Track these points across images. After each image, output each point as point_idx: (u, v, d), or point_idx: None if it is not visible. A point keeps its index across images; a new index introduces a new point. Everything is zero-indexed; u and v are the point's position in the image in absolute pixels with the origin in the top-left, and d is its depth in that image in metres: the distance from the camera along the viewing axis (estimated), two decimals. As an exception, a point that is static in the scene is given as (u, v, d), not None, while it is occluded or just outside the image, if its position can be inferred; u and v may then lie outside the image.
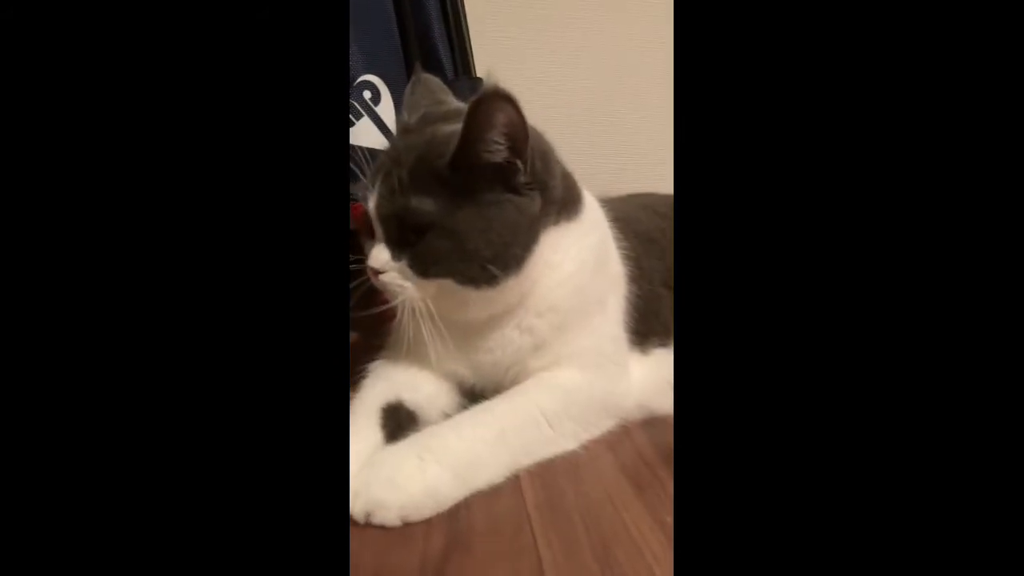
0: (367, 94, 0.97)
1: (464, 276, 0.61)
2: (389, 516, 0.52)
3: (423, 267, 0.61)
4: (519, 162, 0.61)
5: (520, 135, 0.59)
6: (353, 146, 0.86)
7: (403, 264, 0.61)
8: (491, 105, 0.56)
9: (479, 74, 1.10)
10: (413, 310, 0.63)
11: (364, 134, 0.96)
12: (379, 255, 0.62)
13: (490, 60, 1.20)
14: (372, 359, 0.73)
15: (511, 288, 0.63)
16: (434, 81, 0.77)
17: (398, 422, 0.64)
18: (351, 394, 0.67)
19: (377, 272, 0.62)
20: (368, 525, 0.52)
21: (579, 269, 0.68)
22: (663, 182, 1.01)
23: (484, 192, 0.60)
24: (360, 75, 0.97)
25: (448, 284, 0.61)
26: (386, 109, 0.96)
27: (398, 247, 0.62)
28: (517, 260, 0.62)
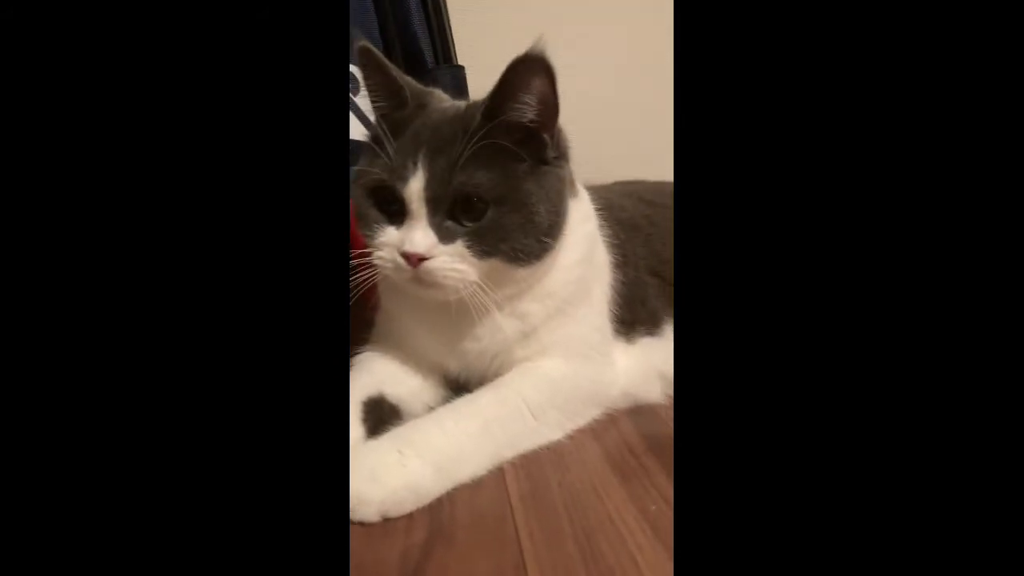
0: (346, 84, 0.95)
1: (523, 251, 0.60)
2: (369, 512, 0.51)
3: (489, 245, 0.58)
4: (546, 136, 0.61)
5: (551, 106, 0.59)
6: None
7: (457, 246, 0.58)
8: (533, 66, 0.56)
9: (459, 62, 1.09)
10: (472, 295, 0.60)
11: (344, 125, 0.95)
12: (423, 239, 0.58)
13: (471, 49, 1.19)
14: (355, 352, 0.73)
15: (544, 265, 0.63)
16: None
17: (380, 416, 0.63)
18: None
19: (422, 258, 0.58)
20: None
21: (582, 257, 0.68)
22: (649, 169, 1.01)
23: (524, 162, 0.60)
24: (339, 65, 0.95)
25: (496, 264, 0.60)
26: (365, 99, 0.95)
27: (449, 229, 0.58)
28: (560, 230, 0.63)
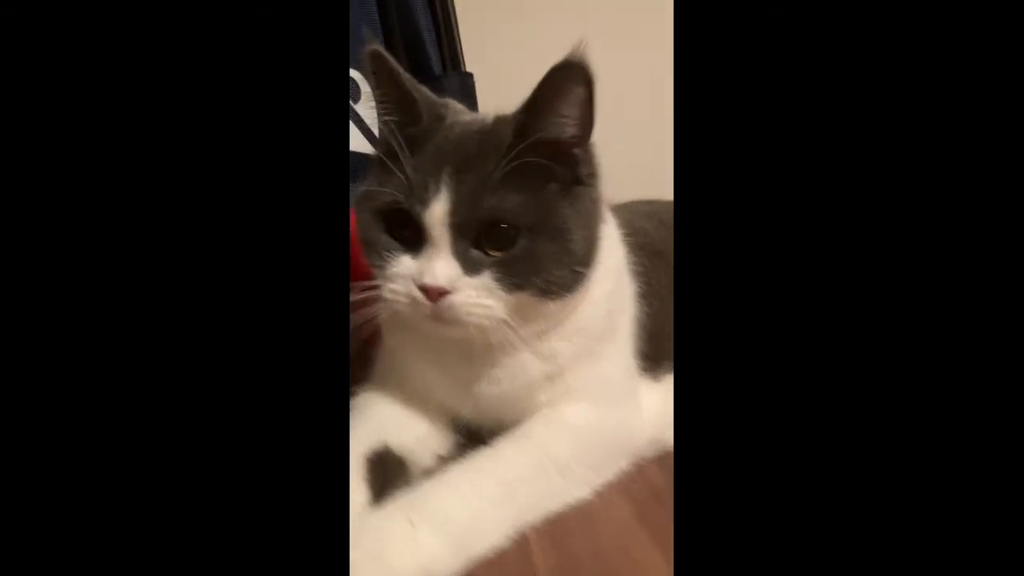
0: (345, 91, 0.88)
1: (556, 283, 0.52)
2: None
3: (520, 277, 0.51)
4: (579, 151, 0.54)
5: (589, 118, 0.52)
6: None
7: (484, 278, 0.51)
8: (573, 74, 0.49)
9: (468, 68, 1.02)
10: (501, 336, 0.52)
11: (342, 135, 0.88)
12: (446, 271, 0.50)
13: (479, 54, 1.13)
14: (353, 393, 0.65)
15: (576, 297, 0.56)
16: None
17: (386, 474, 0.56)
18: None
19: (444, 292, 0.50)
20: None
21: (613, 288, 0.61)
22: (657, 183, 0.95)
23: (556, 183, 0.53)
24: (337, 69, 0.88)
25: (524, 298, 0.52)
26: (366, 106, 0.88)
27: (475, 259, 0.51)
28: (594, 258, 0.56)
